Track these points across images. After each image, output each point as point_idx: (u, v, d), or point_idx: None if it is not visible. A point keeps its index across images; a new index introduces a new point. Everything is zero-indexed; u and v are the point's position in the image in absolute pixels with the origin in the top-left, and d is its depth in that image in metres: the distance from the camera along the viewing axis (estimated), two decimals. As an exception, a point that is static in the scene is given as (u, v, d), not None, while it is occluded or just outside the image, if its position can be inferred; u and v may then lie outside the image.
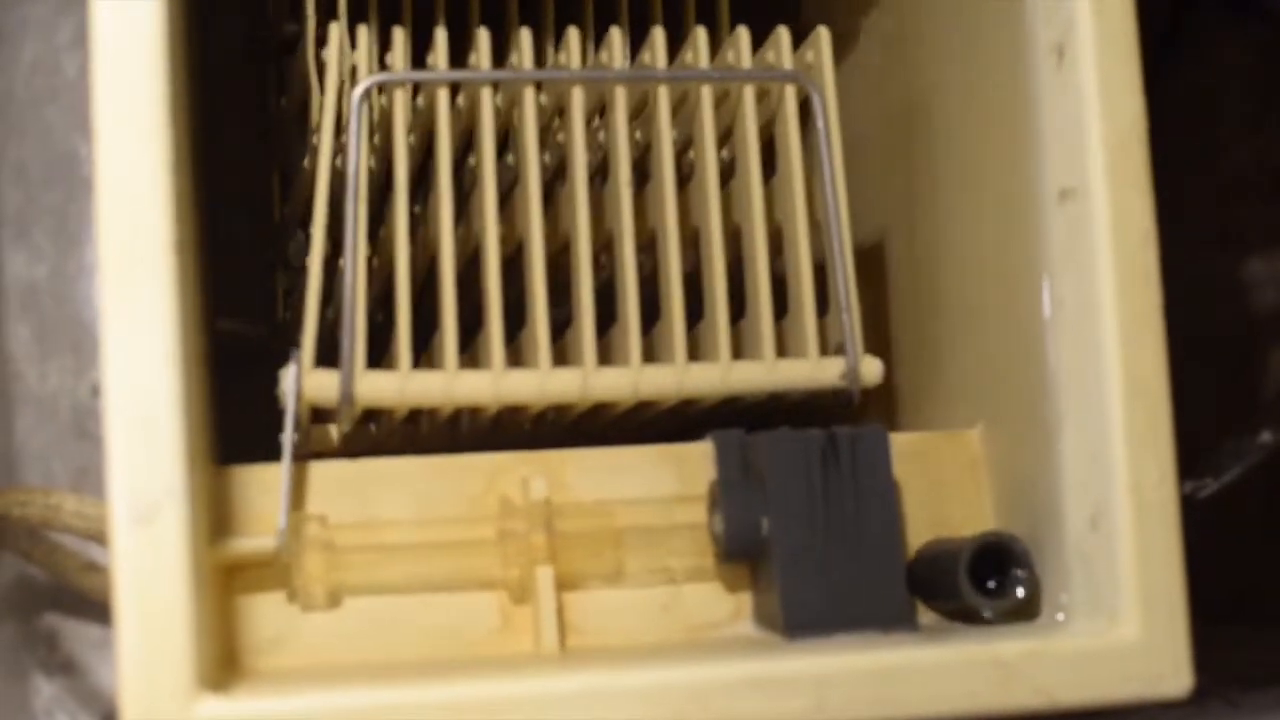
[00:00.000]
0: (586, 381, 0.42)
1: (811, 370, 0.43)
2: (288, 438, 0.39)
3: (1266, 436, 0.55)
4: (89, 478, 0.58)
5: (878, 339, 0.47)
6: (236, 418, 0.45)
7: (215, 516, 0.38)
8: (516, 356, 0.43)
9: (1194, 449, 0.46)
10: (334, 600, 0.39)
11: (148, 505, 0.35)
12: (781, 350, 0.44)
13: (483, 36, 0.43)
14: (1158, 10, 0.44)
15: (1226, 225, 0.66)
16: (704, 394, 0.42)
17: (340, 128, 0.45)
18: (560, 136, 0.46)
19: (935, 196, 0.46)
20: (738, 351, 0.43)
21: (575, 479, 0.41)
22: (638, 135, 0.46)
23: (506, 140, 0.47)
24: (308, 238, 0.52)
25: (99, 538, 0.45)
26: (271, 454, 0.41)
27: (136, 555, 0.35)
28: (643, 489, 0.41)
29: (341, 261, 0.46)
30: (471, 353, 0.45)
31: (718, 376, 0.43)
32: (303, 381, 0.40)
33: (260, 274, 0.55)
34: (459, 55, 0.45)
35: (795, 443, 0.41)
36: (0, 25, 0.60)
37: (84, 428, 0.58)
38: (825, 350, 0.44)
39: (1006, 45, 0.42)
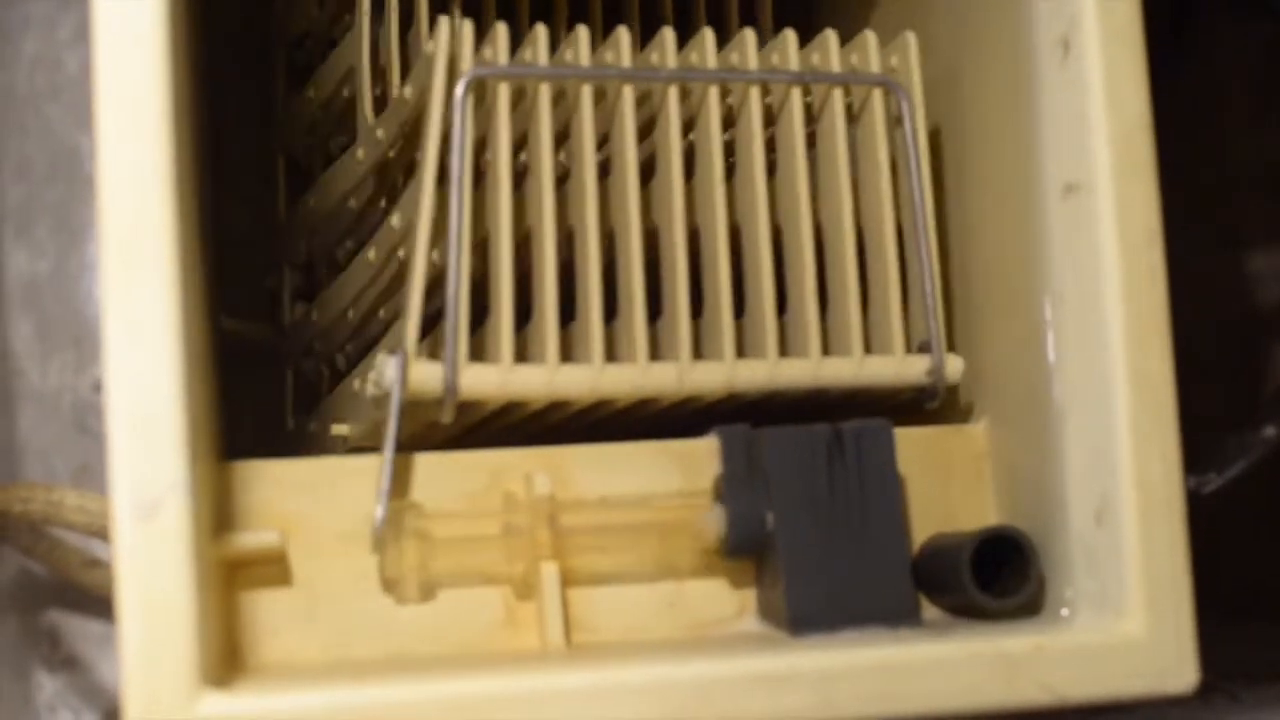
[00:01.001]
0: (682, 375, 0.42)
1: (898, 367, 0.43)
2: (391, 429, 0.39)
3: (1271, 431, 0.55)
4: (91, 474, 0.58)
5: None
6: (240, 414, 0.45)
7: (218, 512, 0.38)
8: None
9: (1198, 444, 0.46)
10: (428, 593, 0.40)
11: (150, 501, 0.35)
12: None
13: (582, 34, 0.43)
14: (1161, 7, 0.44)
15: (1230, 221, 0.66)
16: (794, 387, 0.43)
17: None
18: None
19: (940, 191, 0.46)
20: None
21: (579, 475, 0.41)
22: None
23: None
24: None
25: (101, 533, 0.45)
26: (272, 450, 0.41)
27: (139, 551, 0.35)
28: (647, 484, 0.41)
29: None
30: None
31: (809, 371, 0.43)
32: (408, 372, 0.40)
33: (265, 273, 0.55)
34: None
35: (799, 437, 0.41)
36: (2, 21, 0.60)
37: (86, 424, 0.58)
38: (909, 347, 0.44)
39: (1010, 39, 0.42)
